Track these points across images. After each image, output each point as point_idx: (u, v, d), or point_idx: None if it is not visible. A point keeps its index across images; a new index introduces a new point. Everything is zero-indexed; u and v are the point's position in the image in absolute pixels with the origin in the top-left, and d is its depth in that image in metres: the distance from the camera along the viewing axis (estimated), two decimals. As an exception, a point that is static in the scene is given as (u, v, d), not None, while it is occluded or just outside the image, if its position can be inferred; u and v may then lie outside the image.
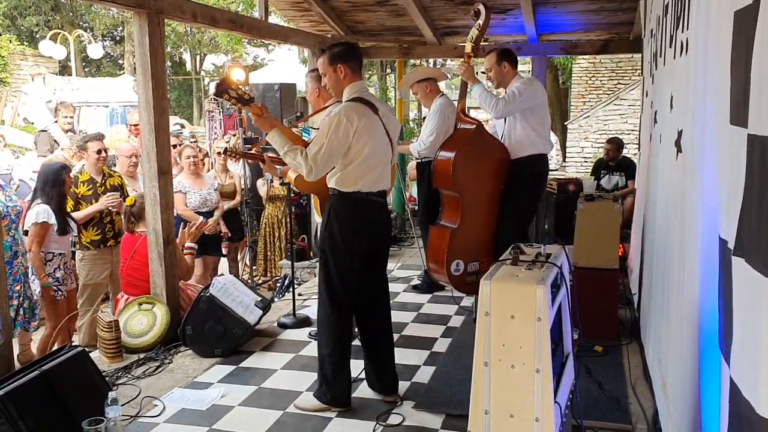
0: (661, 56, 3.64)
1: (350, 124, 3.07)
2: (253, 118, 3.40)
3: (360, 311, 3.42)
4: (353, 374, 3.44)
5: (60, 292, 4.65)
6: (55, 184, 4.54)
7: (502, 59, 4.44)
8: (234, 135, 7.66)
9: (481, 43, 4.54)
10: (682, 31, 2.70)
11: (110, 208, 4.88)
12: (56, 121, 7.54)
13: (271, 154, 3.88)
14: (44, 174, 4.60)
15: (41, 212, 4.49)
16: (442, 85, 5.60)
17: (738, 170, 1.40)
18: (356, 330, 3.87)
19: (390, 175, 3.37)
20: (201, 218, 5.69)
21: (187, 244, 4.71)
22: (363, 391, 3.51)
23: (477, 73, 4.80)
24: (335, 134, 3.08)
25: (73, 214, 4.75)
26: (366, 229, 3.24)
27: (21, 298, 4.67)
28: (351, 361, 3.37)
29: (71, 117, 7.31)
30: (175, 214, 4.86)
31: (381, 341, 3.44)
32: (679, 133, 2.67)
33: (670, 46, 3.15)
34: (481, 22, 4.37)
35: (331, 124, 3.09)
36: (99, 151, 4.96)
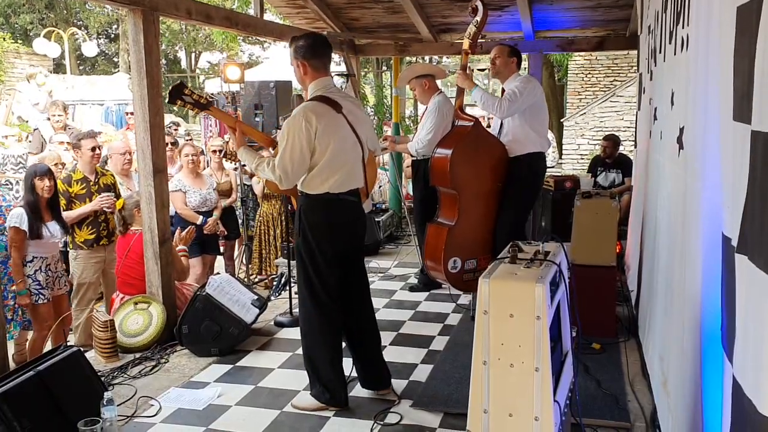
0: (660, 52, 3.62)
1: (309, 125, 2.99)
2: (228, 133, 3.32)
3: (343, 311, 3.32)
4: (345, 373, 3.40)
5: (41, 297, 4.51)
6: (27, 190, 4.47)
7: (513, 54, 4.55)
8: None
9: (479, 40, 4.55)
10: (683, 27, 2.68)
11: (105, 208, 4.83)
12: (48, 119, 7.50)
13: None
14: (24, 178, 4.54)
15: (13, 216, 4.42)
16: (438, 82, 5.57)
17: (741, 167, 1.38)
18: None
19: (363, 172, 3.26)
20: (200, 217, 5.68)
21: (180, 247, 4.67)
22: (360, 390, 3.49)
23: (474, 70, 4.80)
24: (296, 138, 3.00)
25: (67, 213, 4.70)
26: (338, 230, 3.18)
27: (16, 298, 4.64)
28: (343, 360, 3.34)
29: (59, 115, 7.26)
30: (174, 213, 4.82)
31: (368, 338, 3.40)
32: (681, 130, 2.65)
33: (670, 43, 3.14)
34: (478, 18, 4.37)
35: (289, 128, 3.03)
36: (93, 149, 4.91)
